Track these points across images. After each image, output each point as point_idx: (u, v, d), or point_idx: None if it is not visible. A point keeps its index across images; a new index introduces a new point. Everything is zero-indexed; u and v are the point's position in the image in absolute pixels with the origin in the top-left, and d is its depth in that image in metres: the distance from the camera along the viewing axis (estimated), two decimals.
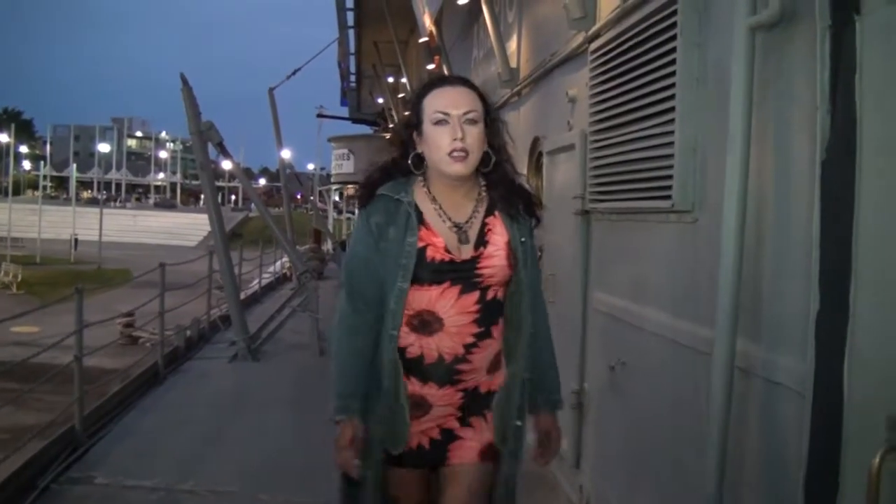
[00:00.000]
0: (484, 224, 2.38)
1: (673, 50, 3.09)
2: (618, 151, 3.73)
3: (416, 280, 2.31)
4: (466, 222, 2.37)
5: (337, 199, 42.09)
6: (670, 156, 3.10)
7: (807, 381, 1.84)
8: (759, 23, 2.35)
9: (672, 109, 3.09)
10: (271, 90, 21.09)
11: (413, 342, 2.34)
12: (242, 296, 13.24)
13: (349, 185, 30.05)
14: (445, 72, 9.63)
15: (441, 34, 10.53)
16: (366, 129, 29.68)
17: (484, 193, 2.42)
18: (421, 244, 2.30)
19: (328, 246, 29.13)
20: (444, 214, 2.36)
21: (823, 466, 1.78)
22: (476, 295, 2.32)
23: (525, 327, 2.42)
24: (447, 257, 2.31)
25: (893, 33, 1.57)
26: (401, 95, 19.12)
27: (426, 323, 2.33)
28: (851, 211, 1.65)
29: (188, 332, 10.47)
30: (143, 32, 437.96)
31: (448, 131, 2.26)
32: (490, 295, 2.35)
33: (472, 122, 2.28)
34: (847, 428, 1.71)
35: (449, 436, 2.41)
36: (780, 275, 2.34)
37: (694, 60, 3.01)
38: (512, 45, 7.01)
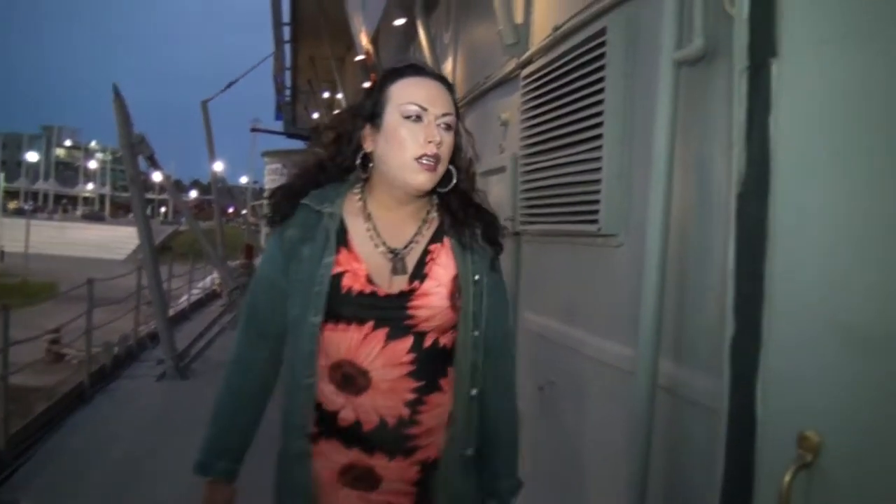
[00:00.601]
0: (426, 252, 1.90)
1: (602, 79, 3.17)
2: (548, 175, 3.81)
3: (331, 316, 1.83)
4: (405, 248, 1.89)
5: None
6: (598, 181, 3.18)
7: (722, 400, 1.92)
8: (683, 57, 2.45)
9: (600, 136, 3.17)
10: (204, 103, 20.70)
11: (343, 404, 1.84)
12: (171, 312, 13.03)
13: None
14: None
15: (378, 52, 10.56)
16: (300, 145, 29.42)
17: (434, 214, 1.96)
18: (337, 269, 1.82)
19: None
20: (378, 237, 1.88)
21: (737, 483, 1.84)
22: (409, 341, 1.83)
23: (467, 386, 1.90)
24: (368, 289, 1.82)
25: (805, 78, 1.66)
26: (336, 112, 19.00)
27: (349, 378, 1.82)
28: (764, 241, 1.73)
29: (116, 350, 10.25)
30: (75, 39, 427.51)
31: (422, 130, 1.80)
32: (429, 342, 1.85)
33: (447, 128, 1.85)
34: (760, 446, 1.78)
35: None
36: (699, 298, 2.43)
37: (621, 90, 3.09)
38: (447, 66, 7.08)
